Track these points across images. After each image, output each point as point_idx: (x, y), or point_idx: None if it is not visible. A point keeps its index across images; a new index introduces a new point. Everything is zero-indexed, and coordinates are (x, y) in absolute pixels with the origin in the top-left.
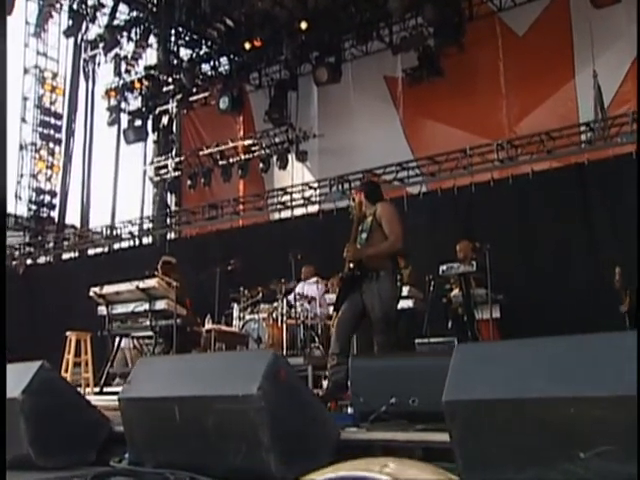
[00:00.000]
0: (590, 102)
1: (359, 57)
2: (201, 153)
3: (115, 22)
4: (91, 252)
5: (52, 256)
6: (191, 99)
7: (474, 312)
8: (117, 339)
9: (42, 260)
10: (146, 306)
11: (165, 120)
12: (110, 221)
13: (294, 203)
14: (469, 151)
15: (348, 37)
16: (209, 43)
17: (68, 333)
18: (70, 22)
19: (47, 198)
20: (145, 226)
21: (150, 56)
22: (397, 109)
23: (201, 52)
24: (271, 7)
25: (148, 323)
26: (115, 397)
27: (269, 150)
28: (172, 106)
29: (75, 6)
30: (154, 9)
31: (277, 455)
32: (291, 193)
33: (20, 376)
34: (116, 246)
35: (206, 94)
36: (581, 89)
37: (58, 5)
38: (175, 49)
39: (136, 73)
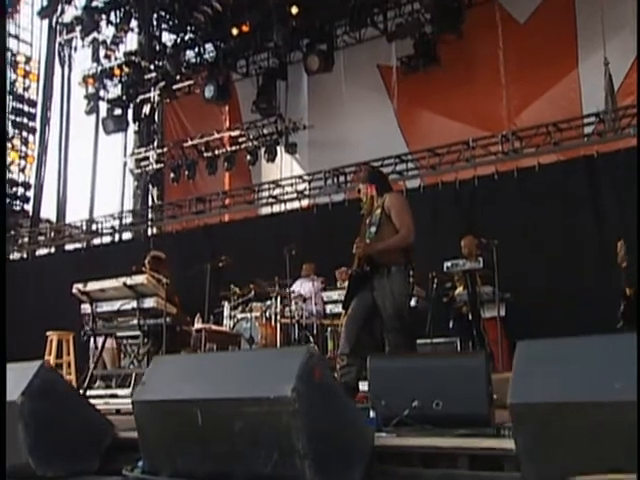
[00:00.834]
0: (595, 93)
1: (352, 45)
2: (185, 145)
3: (93, 3)
4: (69, 248)
5: (26, 252)
6: (174, 87)
7: (480, 311)
8: (101, 339)
9: (16, 256)
10: (134, 304)
11: (147, 109)
12: (88, 215)
13: (286, 197)
14: (472, 143)
15: (341, 23)
16: (194, 28)
17: (49, 333)
18: (45, 2)
19: (20, 190)
20: (127, 220)
21: (131, 41)
22: (391, 99)
23: (185, 37)
24: None
25: (136, 322)
26: (101, 400)
27: (257, 142)
28: (154, 94)
29: None
30: None
31: (312, 462)
32: (283, 186)
33: (19, 377)
34: (96, 241)
35: (190, 82)
36: (585, 80)
37: None
38: (158, 34)
39: (116, 59)
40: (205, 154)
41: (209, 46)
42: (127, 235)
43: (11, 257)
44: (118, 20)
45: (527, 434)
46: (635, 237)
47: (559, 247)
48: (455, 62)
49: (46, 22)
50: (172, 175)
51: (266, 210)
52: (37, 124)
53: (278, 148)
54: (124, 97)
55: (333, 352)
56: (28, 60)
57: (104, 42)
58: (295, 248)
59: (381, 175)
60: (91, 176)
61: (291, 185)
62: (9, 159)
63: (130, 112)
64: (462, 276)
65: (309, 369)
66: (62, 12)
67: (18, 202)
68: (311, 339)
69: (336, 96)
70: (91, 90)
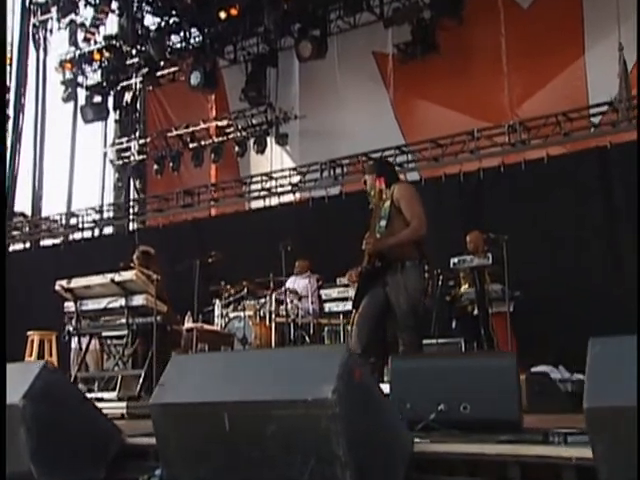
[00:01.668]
0: (602, 82)
1: (346, 30)
2: (169, 135)
3: None
4: (46, 243)
5: None
6: (158, 74)
7: (488, 310)
8: (85, 339)
9: None
10: (122, 302)
11: (128, 97)
12: (66, 208)
13: (280, 190)
14: (477, 133)
15: (335, 7)
16: (179, 11)
17: (30, 333)
18: None
19: None
20: (108, 214)
21: (111, 24)
22: (387, 88)
23: (170, 21)
24: None
25: (124, 321)
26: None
27: (245, 132)
28: (136, 81)
29: None
30: None
31: (354, 470)
32: (276, 179)
33: (20, 378)
34: (77, 236)
35: (175, 69)
36: (591, 68)
37: None
38: (140, 16)
39: (95, 43)
40: (190, 145)
41: (195, 30)
42: (108, 230)
43: None
44: (98, 1)
45: (608, 441)
46: None
47: (570, 242)
48: (454, 49)
49: (19, 1)
50: (155, 167)
51: (257, 204)
52: (10, 111)
53: (268, 139)
54: (104, 84)
55: None
56: None
57: (82, 24)
58: (291, 244)
59: (389, 165)
60: (69, 167)
61: (284, 177)
62: None
63: (110, 100)
64: (469, 273)
65: (349, 369)
66: None
67: None
68: (307, 339)
69: (329, 84)
70: (69, 76)
